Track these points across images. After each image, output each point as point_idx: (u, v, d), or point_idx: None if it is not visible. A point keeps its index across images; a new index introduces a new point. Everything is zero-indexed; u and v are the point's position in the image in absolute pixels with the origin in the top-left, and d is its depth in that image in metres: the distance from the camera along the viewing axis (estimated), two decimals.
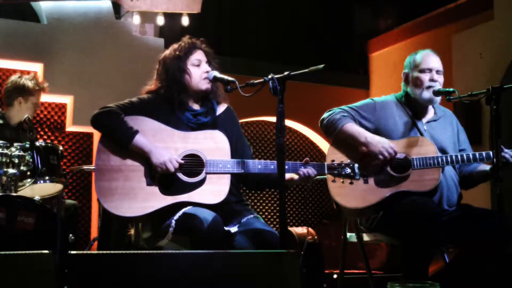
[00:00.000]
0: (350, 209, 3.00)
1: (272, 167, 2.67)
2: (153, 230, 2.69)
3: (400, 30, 6.62)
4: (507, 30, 5.19)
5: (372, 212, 3.02)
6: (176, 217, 2.57)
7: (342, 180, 2.75)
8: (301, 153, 6.67)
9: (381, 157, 2.91)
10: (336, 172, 2.71)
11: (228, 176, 2.69)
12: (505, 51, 5.20)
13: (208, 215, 2.50)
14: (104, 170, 2.63)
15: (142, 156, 2.66)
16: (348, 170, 2.70)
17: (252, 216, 2.75)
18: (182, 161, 2.66)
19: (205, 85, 2.83)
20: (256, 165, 2.68)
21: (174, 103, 2.79)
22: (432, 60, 3.11)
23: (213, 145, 2.73)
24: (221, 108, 2.94)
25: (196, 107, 2.87)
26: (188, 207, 2.60)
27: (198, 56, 2.85)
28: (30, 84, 4.05)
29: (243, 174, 2.76)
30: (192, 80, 2.81)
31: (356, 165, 2.72)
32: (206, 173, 2.67)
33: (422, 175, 2.93)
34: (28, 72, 5.29)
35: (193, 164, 2.69)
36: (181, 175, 2.66)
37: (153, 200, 2.62)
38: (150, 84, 2.91)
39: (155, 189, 2.65)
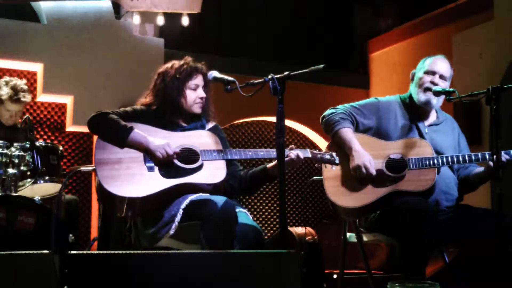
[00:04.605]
0: (346, 208, 3.01)
1: (261, 153, 2.81)
2: (155, 223, 2.72)
3: (400, 30, 6.62)
4: (507, 30, 5.19)
5: (368, 213, 3.03)
6: (183, 206, 2.63)
7: (325, 166, 2.94)
8: None
9: (357, 172, 2.95)
10: (318, 156, 2.87)
11: (224, 162, 2.80)
12: (505, 51, 5.20)
13: (219, 199, 2.59)
14: (104, 164, 2.70)
15: (141, 150, 2.74)
16: (328, 156, 2.88)
17: (238, 210, 2.80)
18: (178, 151, 2.76)
19: (197, 109, 2.96)
20: (246, 152, 2.82)
21: (165, 121, 2.88)
22: (438, 64, 3.10)
23: (205, 140, 2.85)
24: (209, 126, 3.03)
25: (184, 124, 2.97)
26: (195, 195, 2.67)
27: (197, 81, 2.95)
28: (2, 91, 3.92)
29: (233, 181, 2.92)
30: (186, 103, 2.93)
31: (334, 153, 2.89)
32: (203, 160, 2.77)
33: (418, 175, 2.94)
34: (28, 72, 5.32)
35: (189, 155, 2.79)
36: (179, 163, 2.75)
37: (155, 183, 2.70)
38: (145, 96, 2.99)
39: (156, 175, 2.72)
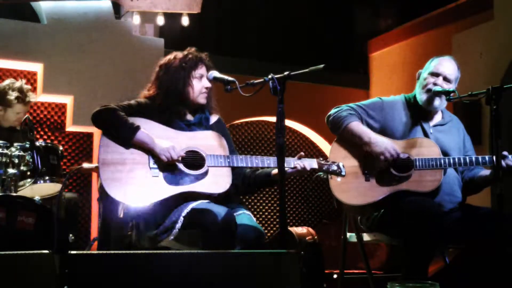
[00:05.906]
0: (350, 206, 3.02)
1: (268, 162, 2.76)
2: (156, 227, 2.71)
3: (400, 30, 6.61)
4: (507, 30, 5.19)
5: (372, 210, 3.02)
6: (184, 213, 2.61)
7: (331, 176, 2.93)
8: None
9: (382, 157, 2.94)
10: (324, 168, 2.85)
11: (229, 169, 2.76)
12: (505, 51, 5.20)
13: (220, 210, 2.56)
14: (108, 164, 2.66)
15: (145, 150, 2.70)
16: (335, 167, 2.86)
17: (241, 212, 2.80)
18: (184, 154, 2.72)
19: (203, 99, 2.91)
20: (253, 160, 2.77)
21: (170, 113, 2.84)
22: (444, 66, 3.08)
23: (212, 143, 2.80)
24: (213, 118, 3.01)
25: (189, 117, 2.93)
26: (196, 203, 2.65)
27: (202, 70, 2.91)
28: (11, 96, 3.92)
29: (237, 180, 2.88)
30: (193, 93, 2.88)
31: (341, 163, 2.87)
32: (208, 166, 2.72)
33: (424, 175, 2.94)
34: (28, 72, 5.32)
35: (195, 159, 2.75)
36: (184, 168, 2.71)
37: (158, 190, 2.66)
38: (148, 89, 2.94)
39: (159, 180, 2.68)
